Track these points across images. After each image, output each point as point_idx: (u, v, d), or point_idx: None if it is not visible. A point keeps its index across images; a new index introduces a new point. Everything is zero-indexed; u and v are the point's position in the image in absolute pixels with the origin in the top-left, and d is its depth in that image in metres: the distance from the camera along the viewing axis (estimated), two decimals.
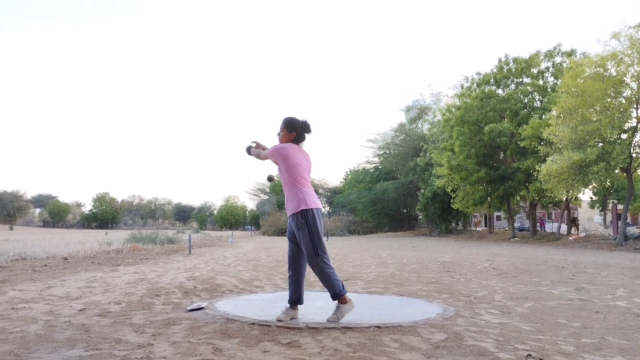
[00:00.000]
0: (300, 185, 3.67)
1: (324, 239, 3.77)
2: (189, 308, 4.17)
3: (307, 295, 4.88)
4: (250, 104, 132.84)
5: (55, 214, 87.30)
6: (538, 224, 29.58)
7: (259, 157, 3.94)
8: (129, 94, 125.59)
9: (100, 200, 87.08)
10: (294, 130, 3.77)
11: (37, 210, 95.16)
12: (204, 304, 4.32)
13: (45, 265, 8.58)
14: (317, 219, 3.67)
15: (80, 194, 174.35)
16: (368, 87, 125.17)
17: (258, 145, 4.02)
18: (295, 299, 3.78)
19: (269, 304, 4.44)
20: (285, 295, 4.69)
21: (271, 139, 3.97)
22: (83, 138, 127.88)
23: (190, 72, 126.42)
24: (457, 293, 5.32)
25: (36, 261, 9.31)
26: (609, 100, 15.85)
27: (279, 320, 3.60)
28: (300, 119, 3.80)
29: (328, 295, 3.89)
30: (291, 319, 3.69)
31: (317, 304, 4.45)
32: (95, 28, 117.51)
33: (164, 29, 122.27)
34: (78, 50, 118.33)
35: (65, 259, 10.02)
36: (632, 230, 21.54)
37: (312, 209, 3.62)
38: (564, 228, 24.55)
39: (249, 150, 4.04)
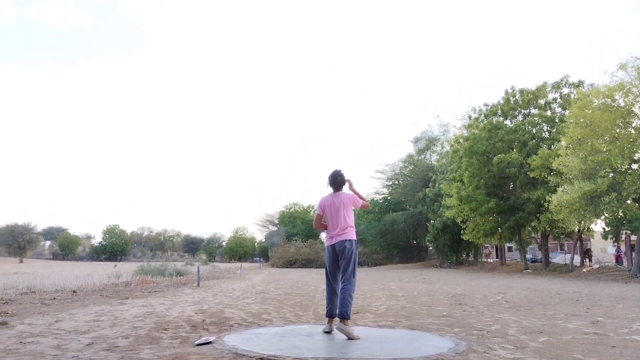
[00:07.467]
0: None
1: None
2: (197, 342, 4.13)
3: (315, 329, 4.83)
4: (257, 134, 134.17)
5: (65, 247, 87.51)
6: (614, 258, 26.48)
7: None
8: (139, 127, 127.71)
9: (110, 232, 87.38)
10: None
11: (47, 243, 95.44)
12: (212, 338, 4.28)
13: (54, 298, 8.58)
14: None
15: (90, 226, 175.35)
16: (376, 118, 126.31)
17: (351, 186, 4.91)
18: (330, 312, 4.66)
19: (278, 338, 4.39)
20: (293, 329, 4.90)
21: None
22: (94, 170, 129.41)
23: (198, 104, 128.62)
24: (470, 327, 5.23)
25: (45, 294, 9.30)
26: (618, 130, 15.85)
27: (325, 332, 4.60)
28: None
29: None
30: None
31: (324, 337, 4.39)
32: (103, 62, 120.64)
33: (173, 61, 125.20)
34: (88, 83, 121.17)
35: (74, 292, 10.00)
36: None
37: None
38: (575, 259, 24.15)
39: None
